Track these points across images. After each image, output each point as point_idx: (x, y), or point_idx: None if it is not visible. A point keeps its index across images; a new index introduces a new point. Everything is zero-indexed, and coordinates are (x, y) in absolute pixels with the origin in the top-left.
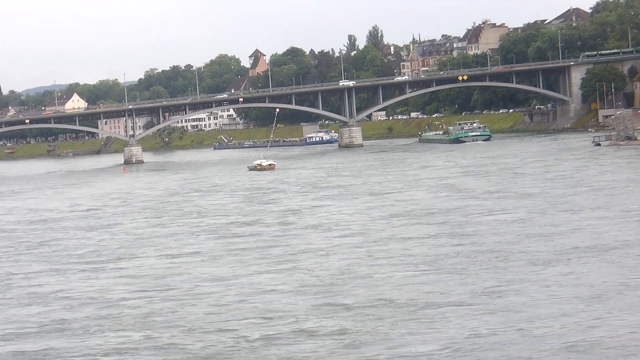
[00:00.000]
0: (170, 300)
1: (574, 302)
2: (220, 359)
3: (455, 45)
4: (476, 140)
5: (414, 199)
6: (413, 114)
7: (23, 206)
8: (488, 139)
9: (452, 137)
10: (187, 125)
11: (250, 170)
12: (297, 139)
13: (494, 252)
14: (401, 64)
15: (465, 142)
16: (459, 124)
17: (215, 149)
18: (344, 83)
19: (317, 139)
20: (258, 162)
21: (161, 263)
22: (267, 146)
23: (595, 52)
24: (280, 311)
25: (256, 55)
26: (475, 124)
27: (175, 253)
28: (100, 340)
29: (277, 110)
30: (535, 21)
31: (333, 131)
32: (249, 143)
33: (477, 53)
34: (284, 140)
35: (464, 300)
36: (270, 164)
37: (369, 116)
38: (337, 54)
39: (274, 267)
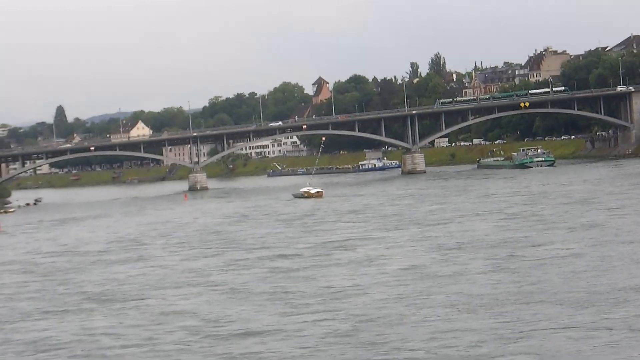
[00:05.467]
0: (181, 344)
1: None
2: None
3: (517, 73)
4: (540, 166)
5: (476, 229)
6: (475, 141)
7: (71, 235)
8: (552, 164)
9: (516, 163)
10: (251, 152)
11: (296, 198)
12: (349, 166)
13: (543, 292)
14: (463, 91)
15: (530, 167)
16: (523, 150)
17: (269, 176)
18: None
19: (370, 166)
20: (305, 189)
21: (183, 302)
22: (312, 173)
23: None
24: None
25: (319, 83)
26: (539, 150)
27: (200, 290)
28: None
29: (324, 138)
30: (597, 48)
31: (385, 158)
32: (302, 170)
33: (539, 80)
34: (336, 168)
35: (496, 352)
36: (318, 192)
37: (432, 143)
38: (399, 82)
39: (304, 309)
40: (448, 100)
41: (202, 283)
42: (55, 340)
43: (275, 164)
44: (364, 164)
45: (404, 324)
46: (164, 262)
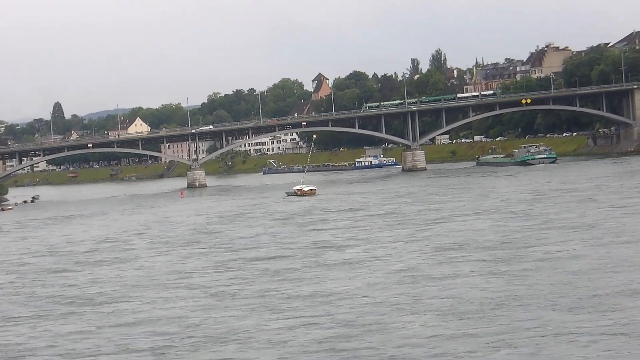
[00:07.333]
0: (158, 350)
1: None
2: None
3: (518, 69)
4: (542, 163)
5: (473, 229)
6: (476, 138)
7: (64, 234)
8: (554, 161)
9: (518, 160)
10: (250, 149)
11: (288, 195)
12: (346, 163)
13: (538, 296)
14: (464, 87)
15: (531, 164)
16: (525, 147)
17: (264, 173)
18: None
19: (367, 164)
20: (298, 187)
21: (164, 305)
22: (305, 171)
23: None
24: None
25: (319, 79)
26: (541, 147)
27: (184, 293)
28: None
29: (315, 135)
30: (599, 44)
31: (383, 155)
32: (297, 168)
33: (540, 76)
34: (332, 165)
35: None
36: (311, 189)
37: (433, 139)
38: (400, 78)
39: (291, 313)
40: (375, 104)
41: (188, 285)
42: (29, 346)
43: (270, 161)
44: (361, 162)
45: (392, 330)
46: (151, 263)
